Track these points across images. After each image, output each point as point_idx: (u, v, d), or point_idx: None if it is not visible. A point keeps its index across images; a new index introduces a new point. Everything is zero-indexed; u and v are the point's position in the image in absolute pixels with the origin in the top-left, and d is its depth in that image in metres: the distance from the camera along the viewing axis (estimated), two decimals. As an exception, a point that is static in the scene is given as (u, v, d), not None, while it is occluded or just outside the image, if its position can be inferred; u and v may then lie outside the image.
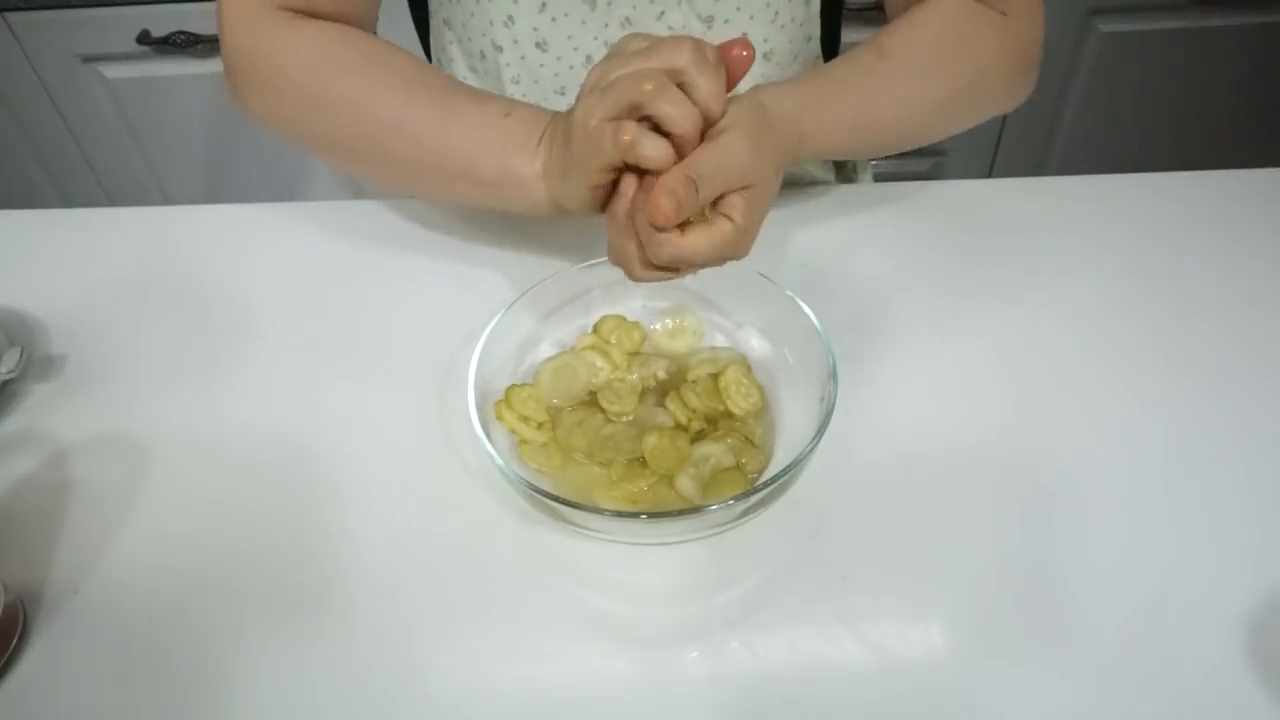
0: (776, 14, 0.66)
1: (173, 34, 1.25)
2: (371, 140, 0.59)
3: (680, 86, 0.46)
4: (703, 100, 0.47)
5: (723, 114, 0.48)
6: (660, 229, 0.46)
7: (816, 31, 0.71)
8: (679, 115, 0.46)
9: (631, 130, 0.46)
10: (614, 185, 0.50)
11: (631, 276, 0.50)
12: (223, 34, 0.61)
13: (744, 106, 0.49)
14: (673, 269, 0.49)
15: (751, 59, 0.48)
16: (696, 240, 0.47)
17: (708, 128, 0.48)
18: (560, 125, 0.54)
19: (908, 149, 0.63)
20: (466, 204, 0.64)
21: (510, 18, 0.66)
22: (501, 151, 0.56)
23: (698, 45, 0.47)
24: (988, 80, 0.62)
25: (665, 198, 0.45)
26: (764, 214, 0.50)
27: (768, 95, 0.54)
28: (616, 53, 0.49)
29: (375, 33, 0.66)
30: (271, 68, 0.60)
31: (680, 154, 0.47)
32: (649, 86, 0.45)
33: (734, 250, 0.49)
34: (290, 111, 0.61)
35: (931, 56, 0.61)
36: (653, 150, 0.46)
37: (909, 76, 0.60)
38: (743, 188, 0.48)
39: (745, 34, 0.50)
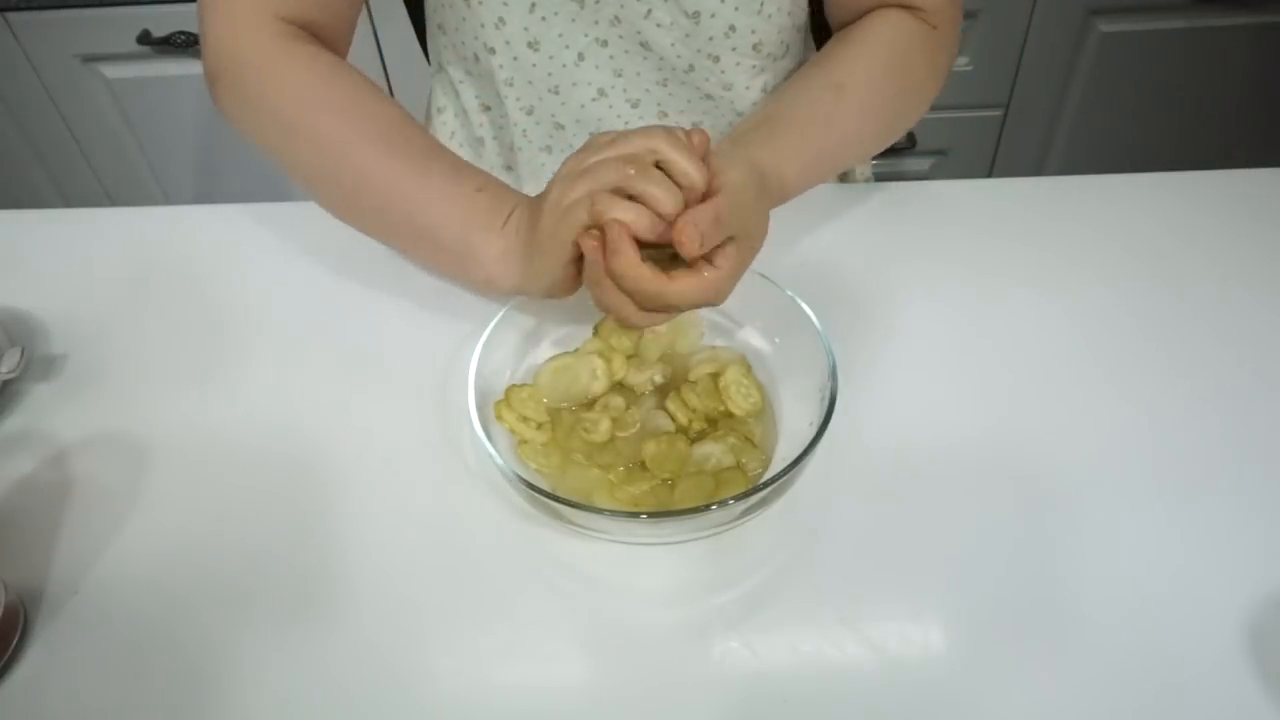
0: (762, 5, 0.66)
1: (173, 34, 1.25)
2: (340, 183, 0.60)
3: (658, 167, 0.48)
4: (684, 175, 0.48)
5: (707, 183, 0.49)
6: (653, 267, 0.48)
7: (804, 19, 0.71)
8: (663, 194, 0.47)
9: (605, 199, 0.47)
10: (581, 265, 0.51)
11: (629, 324, 0.51)
12: (205, 37, 0.61)
13: (737, 164, 0.51)
14: (665, 311, 0.50)
15: (707, 142, 0.50)
16: (685, 286, 0.49)
17: (694, 200, 0.48)
18: (527, 210, 0.56)
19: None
20: (423, 265, 0.65)
21: (501, 19, 0.66)
22: (466, 225, 0.57)
23: (669, 130, 0.49)
24: (923, 94, 0.67)
25: (691, 229, 0.46)
26: (749, 264, 0.52)
27: (754, 151, 0.56)
28: (587, 147, 0.51)
29: (349, 43, 0.68)
30: (255, 86, 0.60)
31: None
32: (631, 170, 0.47)
33: (715, 296, 0.50)
34: (269, 132, 0.61)
35: (882, 86, 0.64)
36: (627, 212, 0.47)
37: (865, 110, 0.63)
38: (734, 238, 0.49)
39: (697, 125, 0.52)
